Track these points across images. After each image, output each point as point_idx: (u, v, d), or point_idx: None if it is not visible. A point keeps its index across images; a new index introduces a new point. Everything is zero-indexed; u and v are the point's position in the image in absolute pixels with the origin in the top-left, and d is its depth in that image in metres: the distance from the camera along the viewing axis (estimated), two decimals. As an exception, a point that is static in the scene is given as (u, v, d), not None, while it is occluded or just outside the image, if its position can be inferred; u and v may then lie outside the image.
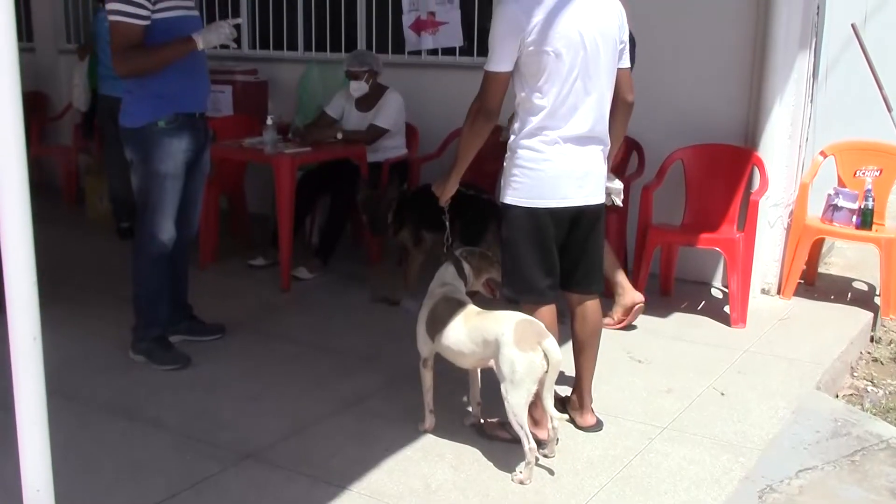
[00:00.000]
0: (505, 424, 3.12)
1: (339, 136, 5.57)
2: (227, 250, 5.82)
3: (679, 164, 5.04)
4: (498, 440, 3.21)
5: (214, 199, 5.63)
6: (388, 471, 3.03)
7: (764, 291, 5.15)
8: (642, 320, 4.63)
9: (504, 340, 2.91)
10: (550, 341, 2.92)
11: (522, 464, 2.95)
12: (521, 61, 2.95)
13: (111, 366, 3.97)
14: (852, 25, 5.54)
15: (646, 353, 4.21)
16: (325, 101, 6.05)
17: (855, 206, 4.99)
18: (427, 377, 3.27)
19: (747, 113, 5.01)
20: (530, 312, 3.08)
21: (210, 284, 5.17)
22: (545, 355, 2.88)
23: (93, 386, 3.75)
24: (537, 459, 2.97)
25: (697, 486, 2.98)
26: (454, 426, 3.35)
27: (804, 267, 5.14)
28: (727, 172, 4.96)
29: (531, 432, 2.96)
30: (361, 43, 6.52)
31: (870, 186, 5.01)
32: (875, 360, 4.62)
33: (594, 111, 3.05)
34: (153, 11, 3.73)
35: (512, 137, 3.08)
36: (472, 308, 3.16)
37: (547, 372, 2.90)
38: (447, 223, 3.40)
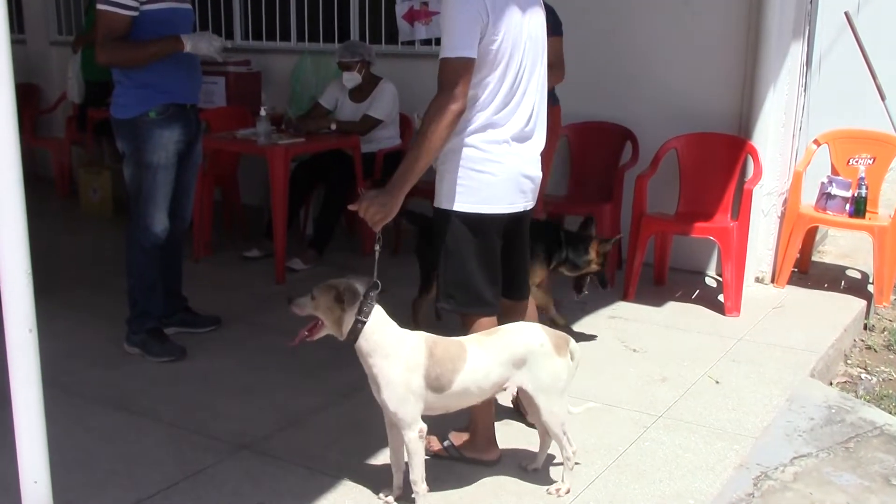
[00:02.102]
0: (441, 438, 3.06)
1: (333, 126, 5.56)
2: (221, 242, 5.82)
3: (673, 154, 5.05)
4: (437, 456, 3.04)
5: (208, 191, 5.62)
6: (384, 460, 3.03)
7: (758, 280, 5.17)
8: (637, 310, 4.65)
9: (544, 351, 2.74)
10: (573, 342, 2.84)
11: (565, 473, 2.86)
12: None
13: (106, 358, 3.96)
14: (846, 14, 5.55)
15: (640, 343, 4.22)
16: (318, 91, 6.04)
17: (848, 194, 5.00)
18: (424, 446, 2.72)
19: (741, 102, 5.02)
20: (473, 324, 2.90)
21: (204, 276, 5.17)
22: (571, 356, 2.82)
23: (88, 378, 3.74)
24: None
25: (692, 474, 3.00)
26: (447, 416, 3.35)
27: (798, 255, 5.16)
28: (721, 161, 4.96)
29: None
30: (354, 33, 6.50)
31: (863, 175, 5.02)
32: (868, 347, 4.64)
33: (535, 108, 2.89)
34: (143, 3, 3.71)
35: (453, 135, 2.76)
36: (471, 336, 2.83)
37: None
38: (377, 251, 2.76)
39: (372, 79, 5.66)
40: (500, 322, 3.05)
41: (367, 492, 2.86)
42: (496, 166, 2.79)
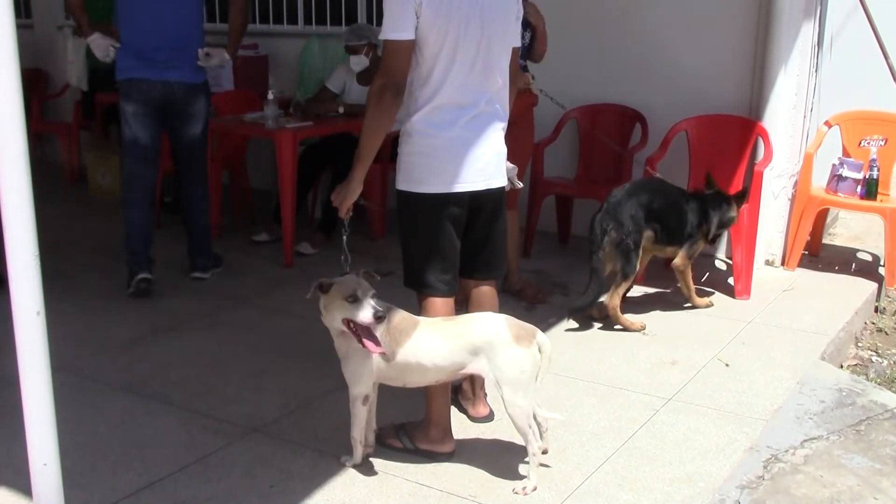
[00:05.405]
0: (398, 430, 3.01)
1: (341, 110, 5.54)
2: (230, 226, 5.82)
3: (683, 136, 5.01)
4: (392, 449, 3.01)
5: (216, 175, 5.62)
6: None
7: (768, 263, 5.14)
8: (648, 293, 4.63)
9: (501, 341, 2.69)
10: (541, 334, 2.77)
11: (531, 470, 2.78)
12: (416, 29, 2.70)
13: (116, 342, 3.98)
14: (858, -7, 5.49)
15: (650, 325, 4.21)
16: (325, 74, 6.01)
17: (860, 176, 4.97)
18: (364, 412, 2.85)
19: (752, 83, 4.98)
20: (424, 304, 2.91)
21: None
22: (539, 349, 2.75)
23: (98, 362, 3.76)
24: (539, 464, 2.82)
25: (703, 457, 2.99)
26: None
27: (808, 238, 5.13)
28: (731, 143, 4.93)
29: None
30: (361, 16, 6.47)
31: (875, 156, 4.99)
32: (879, 330, 4.62)
33: (492, 86, 2.83)
34: None
35: (405, 117, 2.83)
36: (432, 318, 2.86)
37: (540, 366, 2.76)
38: (345, 237, 2.93)
39: (379, 61, 5.62)
40: (466, 303, 3.09)
41: (376, 474, 2.86)
42: (445, 147, 2.79)
